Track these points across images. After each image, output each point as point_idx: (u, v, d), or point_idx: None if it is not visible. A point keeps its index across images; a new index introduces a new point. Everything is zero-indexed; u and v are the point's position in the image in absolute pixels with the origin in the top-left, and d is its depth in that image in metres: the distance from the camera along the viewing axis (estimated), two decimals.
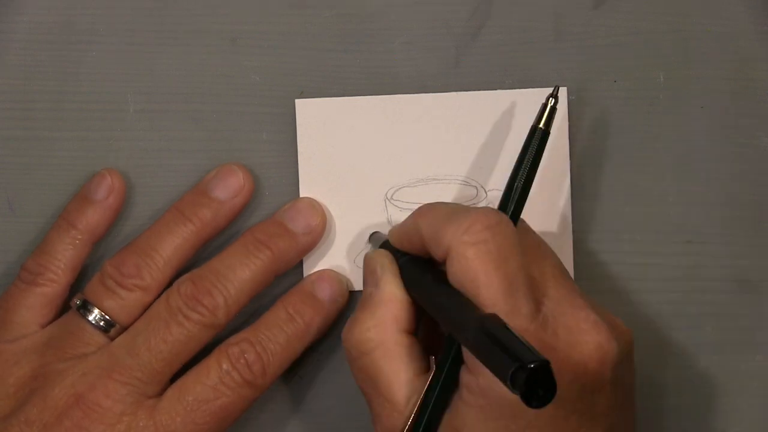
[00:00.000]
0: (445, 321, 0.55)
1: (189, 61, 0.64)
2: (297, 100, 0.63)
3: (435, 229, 0.55)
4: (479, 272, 0.53)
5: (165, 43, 0.63)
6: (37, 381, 0.58)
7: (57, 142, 0.64)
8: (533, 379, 0.46)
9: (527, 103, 0.63)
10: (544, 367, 0.46)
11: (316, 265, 0.63)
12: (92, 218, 0.61)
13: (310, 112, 0.63)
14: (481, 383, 0.53)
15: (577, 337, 0.54)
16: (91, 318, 0.59)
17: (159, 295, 0.60)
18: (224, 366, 0.59)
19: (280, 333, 0.60)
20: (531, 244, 0.56)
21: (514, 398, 0.47)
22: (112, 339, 0.60)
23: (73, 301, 0.60)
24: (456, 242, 0.54)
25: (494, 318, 0.50)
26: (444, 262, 0.55)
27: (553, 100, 0.57)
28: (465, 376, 0.54)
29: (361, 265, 0.62)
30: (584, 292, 0.56)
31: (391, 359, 0.56)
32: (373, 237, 0.63)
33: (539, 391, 0.46)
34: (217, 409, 0.58)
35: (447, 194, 0.63)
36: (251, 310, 0.62)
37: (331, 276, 0.62)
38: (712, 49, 0.63)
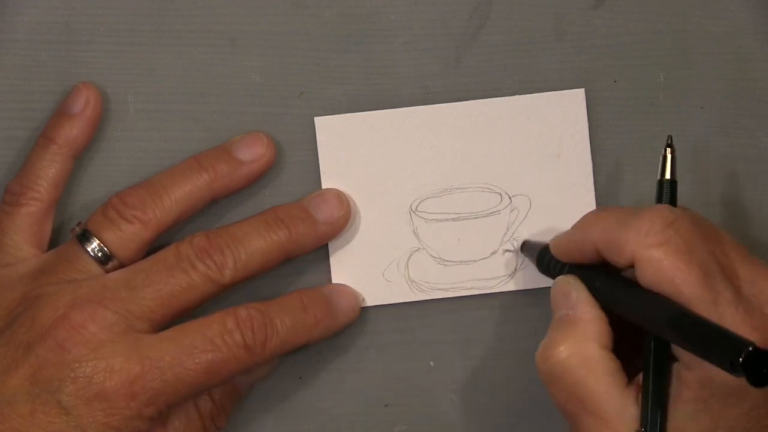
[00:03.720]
0: (650, 323, 0.54)
1: (189, 61, 0.63)
2: (316, 118, 0.63)
3: (612, 238, 0.55)
4: (674, 270, 0.53)
5: (165, 43, 0.63)
6: (27, 302, 0.58)
7: None
8: (754, 360, 0.47)
9: (544, 107, 0.63)
10: (755, 349, 0.47)
11: (344, 275, 0.63)
12: (71, 131, 0.61)
13: (329, 129, 0.63)
14: (700, 375, 0.53)
15: None
16: (89, 248, 0.59)
17: (158, 235, 0.60)
18: (229, 324, 0.58)
19: (290, 317, 0.60)
20: (707, 231, 0.56)
21: (737, 382, 0.48)
22: (107, 273, 0.59)
23: (73, 229, 0.60)
24: (641, 247, 0.54)
25: (687, 312, 0.51)
26: (625, 268, 0.55)
27: (670, 150, 0.58)
28: (683, 373, 0.54)
29: (390, 278, 0.63)
30: None
31: (598, 376, 0.55)
32: (526, 245, 0.63)
33: (763, 370, 0.47)
34: (208, 361, 0.57)
35: (471, 202, 0.63)
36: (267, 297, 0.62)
37: (350, 292, 0.63)
38: (712, 49, 0.63)
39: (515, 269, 0.63)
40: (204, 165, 0.61)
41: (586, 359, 0.55)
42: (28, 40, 0.63)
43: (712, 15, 0.63)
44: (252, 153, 0.62)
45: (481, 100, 0.63)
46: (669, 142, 0.58)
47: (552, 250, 0.60)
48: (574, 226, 0.58)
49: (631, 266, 0.55)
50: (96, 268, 0.59)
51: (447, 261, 0.63)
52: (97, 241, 0.59)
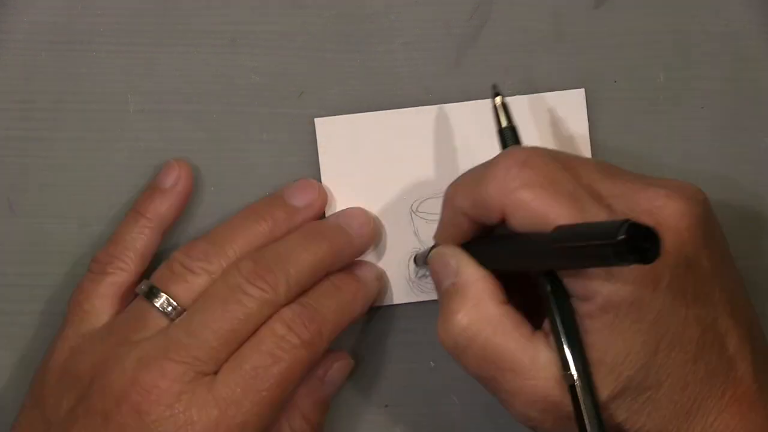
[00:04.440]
0: (530, 261, 0.54)
1: (189, 61, 0.64)
2: (316, 119, 0.63)
3: (475, 197, 0.55)
4: (543, 207, 0.53)
5: (165, 43, 0.64)
6: (97, 368, 0.58)
7: (57, 142, 0.64)
8: (633, 238, 0.46)
9: (545, 107, 0.63)
10: (632, 223, 0.46)
11: None
12: (160, 206, 0.62)
13: (329, 130, 0.63)
14: (598, 302, 0.52)
15: (658, 217, 0.53)
16: (157, 303, 0.59)
17: None
18: (279, 331, 0.58)
19: (330, 300, 0.59)
20: (565, 159, 0.55)
21: (633, 296, 0.50)
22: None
23: (138, 287, 0.60)
24: (504, 195, 0.53)
25: (563, 225, 0.51)
26: (500, 225, 0.55)
27: (500, 97, 0.58)
28: (580, 307, 0.53)
29: (391, 279, 0.63)
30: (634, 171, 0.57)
31: (504, 332, 0.55)
32: (418, 256, 0.63)
33: (646, 245, 0.46)
34: (276, 374, 0.57)
35: None
36: None
37: (369, 263, 0.63)
38: (712, 49, 0.63)
39: None
40: (262, 214, 0.61)
41: (487, 319, 0.55)
42: (28, 40, 0.63)
43: (712, 15, 0.63)
44: (305, 199, 0.62)
45: (482, 101, 0.63)
46: (496, 90, 0.58)
47: (435, 239, 0.59)
48: (442, 206, 0.58)
49: (503, 220, 0.54)
50: (163, 321, 0.59)
51: None
52: (165, 296, 0.59)
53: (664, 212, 0.53)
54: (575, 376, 0.53)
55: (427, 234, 0.63)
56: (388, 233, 0.63)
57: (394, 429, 0.64)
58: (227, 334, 0.57)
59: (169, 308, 0.59)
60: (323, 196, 0.63)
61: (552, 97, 0.63)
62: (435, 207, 0.63)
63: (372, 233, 0.62)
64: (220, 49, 0.64)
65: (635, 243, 0.46)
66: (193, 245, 0.60)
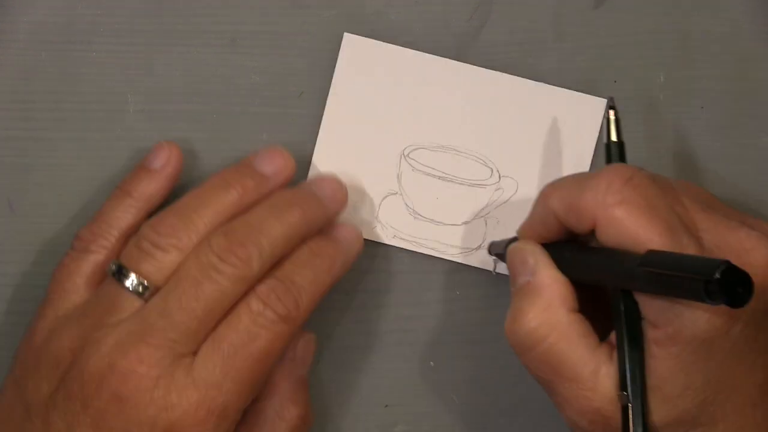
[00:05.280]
0: (610, 277, 0.54)
1: (189, 61, 0.64)
2: (346, 34, 0.63)
3: (570, 203, 0.55)
4: (636, 228, 0.53)
5: (165, 43, 0.63)
6: (75, 353, 0.57)
7: (57, 142, 0.64)
8: (727, 280, 0.47)
9: (564, 103, 0.63)
10: (730, 265, 0.47)
11: None
12: (147, 186, 0.61)
13: (354, 50, 0.63)
14: (669, 332, 0.52)
15: (746, 258, 0.53)
16: (127, 283, 0.57)
17: None
18: (254, 306, 0.57)
19: (306, 268, 0.58)
20: (664, 185, 0.55)
21: (706, 334, 0.50)
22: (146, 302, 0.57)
23: (108, 267, 0.58)
24: (601, 207, 0.53)
25: (656, 251, 0.51)
26: (588, 234, 0.55)
27: (613, 111, 0.58)
28: (650, 332, 0.53)
29: (381, 219, 0.63)
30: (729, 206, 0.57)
31: (569, 340, 0.55)
32: (492, 244, 0.62)
33: (737, 290, 0.47)
34: (255, 351, 0.56)
35: (462, 167, 0.63)
36: None
37: (349, 225, 0.62)
38: (712, 49, 0.63)
39: (479, 246, 0.63)
40: (231, 183, 0.60)
41: (556, 325, 0.55)
42: (28, 40, 0.63)
43: (712, 15, 0.63)
44: (274, 166, 0.61)
45: (507, 75, 0.63)
46: (611, 104, 0.58)
47: (518, 233, 0.59)
48: (534, 203, 0.58)
49: (593, 230, 0.54)
50: (137, 302, 0.57)
51: (418, 215, 0.63)
52: (135, 275, 0.57)
53: (752, 255, 0.53)
54: (630, 399, 0.53)
55: (408, 181, 0.63)
56: (372, 168, 0.63)
57: (394, 429, 0.64)
58: (203, 315, 0.56)
59: (140, 288, 0.57)
60: (292, 164, 0.61)
61: (574, 97, 0.63)
62: (425, 158, 0.63)
63: (344, 199, 0.62)
64: (220, 49, 0.64)
65: (728, 285, 0.47)
66: (160, 220, 0.58)
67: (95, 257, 0.60)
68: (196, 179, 0.63)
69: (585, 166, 0.63)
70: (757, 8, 0.63)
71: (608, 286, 0.56)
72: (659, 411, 0.53)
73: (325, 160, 0.63)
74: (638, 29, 0.63)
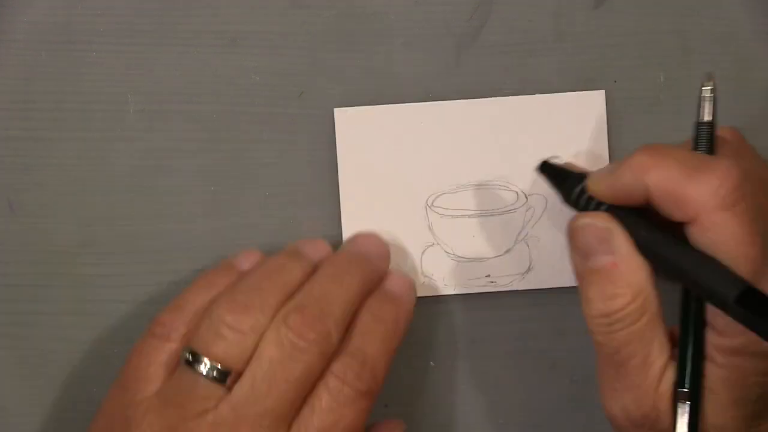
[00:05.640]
0: (696, 286, 0.53)
1: (189, 61, 0.64)
2: (336, 110, 0.63)
3: (675, 189, 0.52)
4: (737, 242, 0.51)
5: (165, 43, 0.64)
6: None
7: (57, 142, 0.64)
8: None
9: (564, 107, 0.63)
10: None
11: None
12: (230, 282, 0.59)
13: (348, 121, 0.63)
14: (735, 343, 0.52)
15: None
16: (202, 369, 0.55)
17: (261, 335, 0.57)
18: (333, 385, 0.56)
19: (374, 336, 0.57)
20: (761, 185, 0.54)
21: None
22: (230, 388, 0.55)
23: (182, 354, 0.57)
24: (708, 207, 0.51)
25: (754, 289, 0.50)
26: (681, 223, 0.53)
27: (711, 87, 0.55)
28: (714, 338, 0.53)
29: (426, 272, 0.63)
30: None
31: (654, 327, 0.54)
32: (547, 166, 0.59)
33: None
34: (342, 430, 0.56)
35: (487, 199, 0.63)
36: None
37: (399, 273, 0.61)
38: (712, 49, 0.63)
39: (528, 268, 0.63)
40: (286, 263, 0.59)
41: (639, 315, 0.54)
42: (28, 40, 0.63)
43: (712, 15, 0.63)
44: (318, 253, 0.61)
45: (499, 98, 0.63)
46: (711, 77, 0.55)
47: (590, 187, 0.56)
48: (623, 166, 0.54)
49: (686, 222, 0.53)
50: (217, 389, 0.55)
51: (461, 257, 0.63)
52: (208, 360, 0.55)
53: None
54: (688, 396, 0.53)
55: (440, 229, 0.63)
56: (402, 227, 0.63)
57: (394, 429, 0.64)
58: (293, 396, 0.55)
59: (215, 372, 0.55)
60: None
61: (572, 98, 0.63)
62: (450, 203, 0.63)
63: (389, 253, 0.62)
64: (220, 49, 0.64)
65: None
66: (231, 298, 0.57)
67: (175, 346, 0.58)
68: (197, 179, 0.63)
69: (603, 161, 0.63)
70: (757, 8, 0.63)
71: (684, 286, 0.55)
72: (712, 416, 0.54)
73: (355, 231, 0.63)
74: (638, 29, 0.63)
